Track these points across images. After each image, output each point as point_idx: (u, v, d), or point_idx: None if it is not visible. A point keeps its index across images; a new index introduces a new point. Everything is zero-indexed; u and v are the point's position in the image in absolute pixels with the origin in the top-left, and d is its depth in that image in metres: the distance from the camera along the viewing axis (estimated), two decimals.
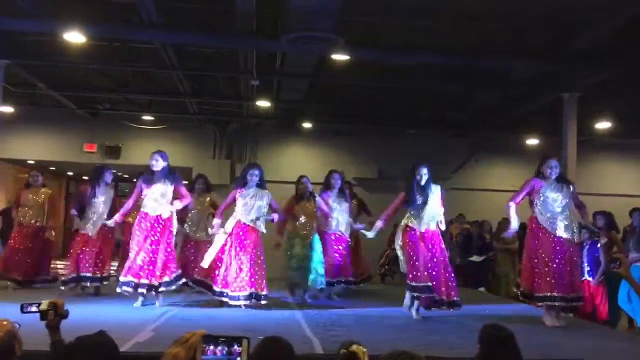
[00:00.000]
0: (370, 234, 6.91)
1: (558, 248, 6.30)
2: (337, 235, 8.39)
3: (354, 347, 2.28)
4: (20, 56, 10.33)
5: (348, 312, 6.94)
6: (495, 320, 3.26)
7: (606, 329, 6.89)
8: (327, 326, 5.85)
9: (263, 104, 12.85)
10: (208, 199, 8.92)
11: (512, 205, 6.48)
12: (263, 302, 6.97)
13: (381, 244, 11.88)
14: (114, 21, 8.87)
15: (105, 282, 8.06)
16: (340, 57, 9.18)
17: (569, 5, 7.80)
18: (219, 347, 1.39)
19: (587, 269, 7.49)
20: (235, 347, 1.40)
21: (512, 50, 9.21)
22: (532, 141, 14.78)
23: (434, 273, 6.38)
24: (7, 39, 9.81)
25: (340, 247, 8.43)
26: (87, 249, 7.91)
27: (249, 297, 6.89)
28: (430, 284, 6.30)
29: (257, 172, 7.24)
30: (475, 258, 10.98)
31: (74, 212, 8.19)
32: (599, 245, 7.49)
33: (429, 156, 14.65)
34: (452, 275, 6.58)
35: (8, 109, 12.55)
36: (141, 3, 7.75)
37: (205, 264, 7.06)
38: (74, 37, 8.60)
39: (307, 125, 14.60)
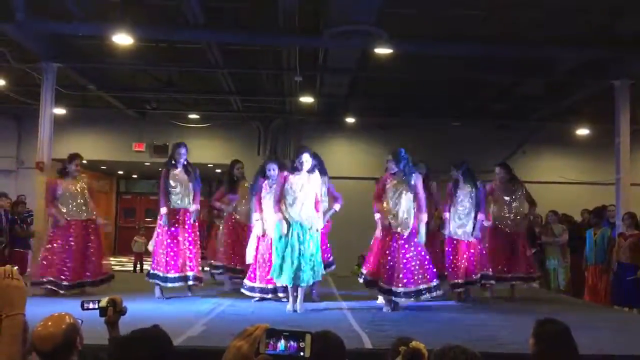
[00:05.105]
0: None
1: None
2: None
3: (414, 344, 2.24)
4: (71, 59, 10.67)
5: None
6: (546, 314, 3.20)
7: None
8: (375, 321, 5.84)
9: (306, 99, 12.91)
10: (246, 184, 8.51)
11: None
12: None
13: None
14: (160, 23, 9.07)
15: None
16: (383, 50, 9.13)
17: None
18: (285, 342, 1.41)
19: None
20: (299, 342, 1.41)
21: (560, 38, 8.99)
22: (583, 131, 14.38)
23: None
24: (59, 43, 10.14)
25: None
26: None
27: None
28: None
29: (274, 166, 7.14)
30: None
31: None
32: None
33: (475, 148, 14.60)
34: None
35: (60, 111, 12.96)
36: (186, 4, 7.90)
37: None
38: (122, 39, 8.82)
39: (350, 120, 14.58)
